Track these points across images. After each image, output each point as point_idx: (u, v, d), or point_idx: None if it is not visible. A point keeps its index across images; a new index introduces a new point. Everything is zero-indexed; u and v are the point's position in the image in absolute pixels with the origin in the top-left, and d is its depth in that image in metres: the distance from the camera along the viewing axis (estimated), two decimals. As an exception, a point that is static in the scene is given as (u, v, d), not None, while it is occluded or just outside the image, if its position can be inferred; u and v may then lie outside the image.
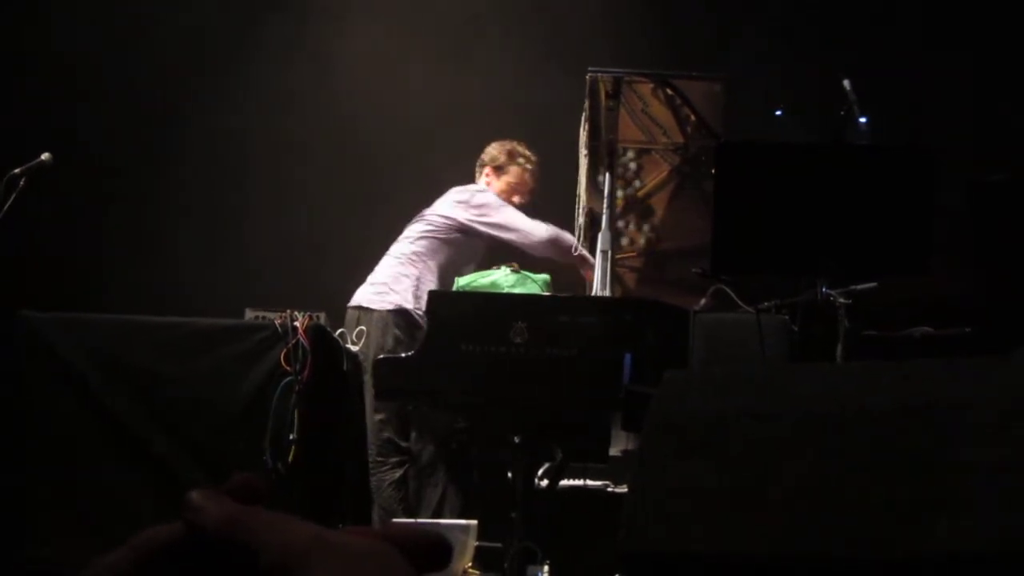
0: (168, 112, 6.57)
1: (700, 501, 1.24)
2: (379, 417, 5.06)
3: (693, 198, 4.93)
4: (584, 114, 4.81)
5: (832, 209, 3.49)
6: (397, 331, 5.05)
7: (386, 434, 5.08)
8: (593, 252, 4.61)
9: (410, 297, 5.10)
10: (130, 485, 4.35)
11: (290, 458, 4.27)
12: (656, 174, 4.98)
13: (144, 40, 6.53)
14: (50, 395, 4.44)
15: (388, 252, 5.29)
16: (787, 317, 4.41)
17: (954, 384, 1.19)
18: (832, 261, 3.54)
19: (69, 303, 4.83)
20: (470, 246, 5.22)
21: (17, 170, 4.61)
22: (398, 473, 5.08)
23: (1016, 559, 0.98)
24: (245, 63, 6.62)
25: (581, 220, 4.91)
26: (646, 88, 4.86)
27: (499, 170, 5.34)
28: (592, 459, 4.43)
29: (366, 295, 5.17)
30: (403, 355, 4.16)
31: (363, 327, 5.06)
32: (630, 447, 4.25)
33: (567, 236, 5.06)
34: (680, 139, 4.92)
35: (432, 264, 5.18)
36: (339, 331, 4.93)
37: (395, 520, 4.89)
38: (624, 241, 4.99)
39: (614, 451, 4.31)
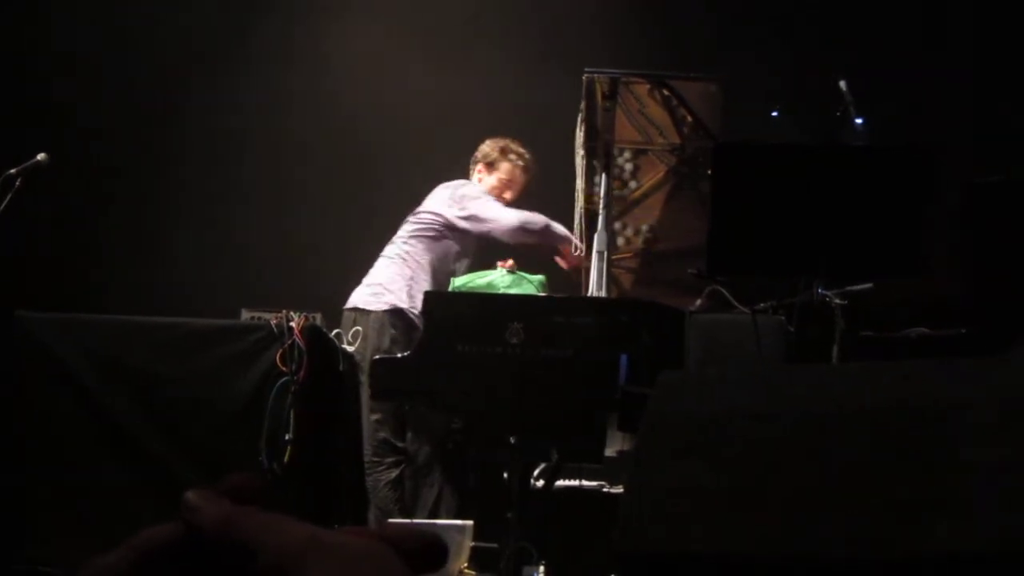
0: (167, 112, 6.57)
1: (697, 501, 1.24)
2: (375, 417, 5.06)
3: (689, 199, 4.93)
4: (581, 115, 4.81)
5: (828, 210, 3.49)
6: (393, 331, 5.05)
7: (382, 434, 5.08)
8: (589, 253, 4.61)
9: (404, 297, 5.10)
10: (126, 485, 4.36)
11: (286, 458, 4.27)
12: (653, 175, 4.98)
13: (144, 40, 6.53)
14: (46, 395, 4.44)
15: (382, 253, 5.30)
16: (783, 318, 4.40)
17: (953, 384, 1.18)
18: (827, 262, 3.54)
19: (66, 303, 4.83)
20: (460, 242, 5.23)
21: (13, 170, 4.60)
22: (394, 473, 5.08)
23: (1016, 559, 0.97)
24: (242, 63, 6.61)
25: (578, 221, 4.91)
26: (643, 89, 4.86)
27: (491, 166, 5.36)
28: (588, 460, 4.43)
29: (362, 296, 5.18)
30: (399, 355, 4.17)
31: (359, 328, 5.06)
32: (626, 448, 4.25)
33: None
34: (676, 140, 4.92)
35: (424, 263, 5.19)
36: (335, 331, 4.93)
37: (391, 520, 4.88)
38: (620, 242, 4.99)
39: (610, 452, 4.31)
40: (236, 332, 4.50)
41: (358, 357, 4.98)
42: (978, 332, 4.20)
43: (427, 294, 4.32)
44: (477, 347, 3.76)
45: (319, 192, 6.52)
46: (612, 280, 4.66)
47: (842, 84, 4.13)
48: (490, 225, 5.12)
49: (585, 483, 4.89)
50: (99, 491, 4.34)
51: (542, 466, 4.47)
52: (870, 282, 4.01)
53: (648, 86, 4.85)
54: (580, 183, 4.87)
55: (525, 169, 5.37)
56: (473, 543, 4.52)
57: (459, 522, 4.62)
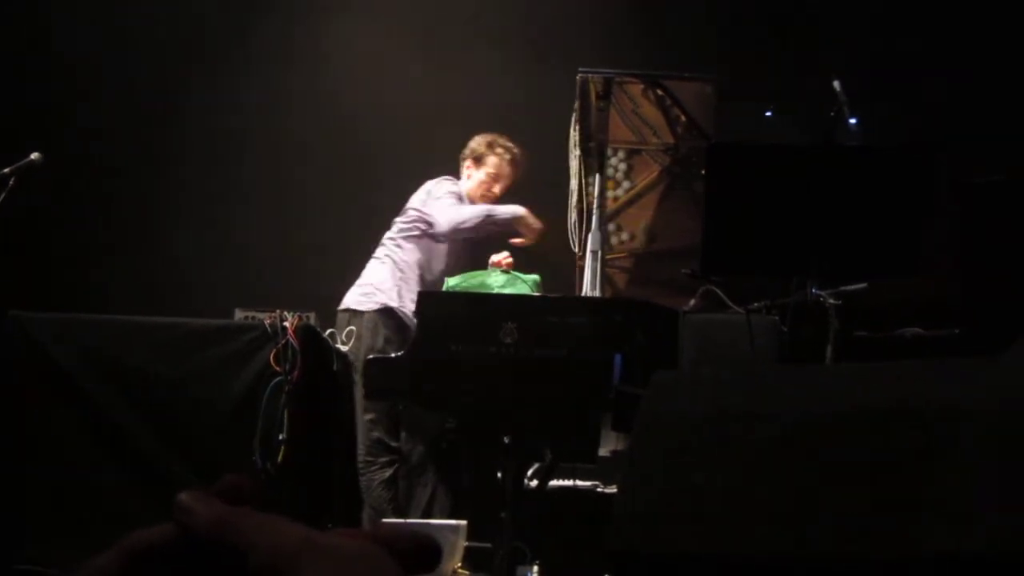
0: (167, 112, 6.56)
1: (690, 501, 1.24)
2: (369, 417, 5.06)
3: (683, 199, 4.93)
4: (575, 115, 4.81)
5: (822, 210, 3.49)
6: (387, 331, 5.05)
7: (376, 434, 5.08)
8: (584, 253, 4.62)
9: (395, 296, 5.11)
10: (125, 484, 4.35)
11: (280, 458, 4.27)
12: (646, 175, 4.98)
13: (144, 40, 6.52)
14: (41, 395, 4.43)
15: (374, 255, 5.31)
16: (777, 318, 4.41)
17: (947, 385, 1.19)
18: (821, 262, 3.54)
19: (62, 302, 4.82)
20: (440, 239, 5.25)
21: (7, 169, 4.59)
22: (388, 473, 5.08)
23: (1014, 559, 0.98)
24: (242, 63, 6.60)
25: (572, 220, 4.91)
26: (636, 89, 4.86)
27: (478, 161, 5.37)
28: (582, 459, 4.43)
29: (355, 297, 5.19)
30: (393, 355, 4.16)
31: (353, 328, 5.07)
32: (620, 447, 4.24)
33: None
34: (670, 140, 4.93)
35: (412, 262, 5.21)
36: (329, 331, 4.93)
37: (385, 520, 4.88)
38: (614, 241, 5.00)
39: (604, 451, 4.31)
40: (230, 332, 4.49)
41: (352, 357, 4.98)
42: (971, 332, 4.20)
43: (421, 294, 4.32)
44: (471, 347, 3.76)
45: (318, 192, 6.51)
46: (606, 280, 4.67)
47: (836, 84, 4.13)
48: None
49: (579, 483, 4.89)
50: (97, 490, 4.34)
51: (536, 466, 4.47)
52: (864, 282, 4.02)
53: (642, 86, 4.85)
54: (574, 183, 4.87)
55: (513, 162, 5.37)
56: (467, 543, 4.52)
57: (453, 522, 4.62)
